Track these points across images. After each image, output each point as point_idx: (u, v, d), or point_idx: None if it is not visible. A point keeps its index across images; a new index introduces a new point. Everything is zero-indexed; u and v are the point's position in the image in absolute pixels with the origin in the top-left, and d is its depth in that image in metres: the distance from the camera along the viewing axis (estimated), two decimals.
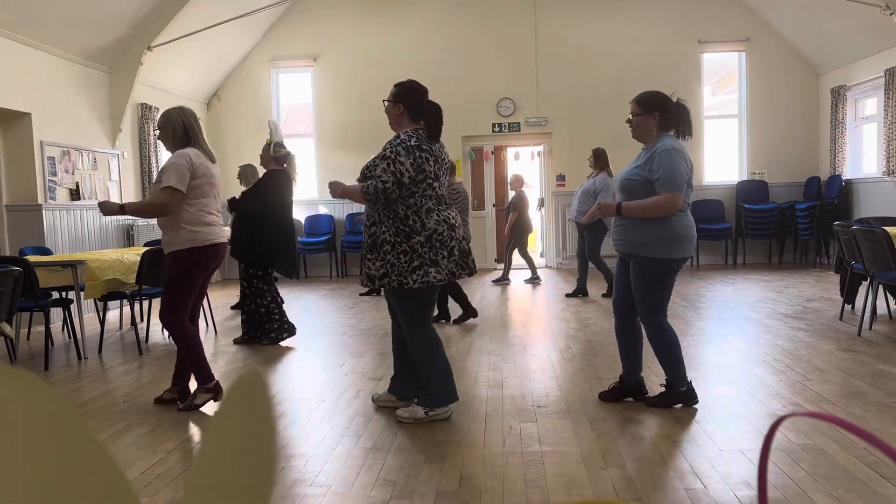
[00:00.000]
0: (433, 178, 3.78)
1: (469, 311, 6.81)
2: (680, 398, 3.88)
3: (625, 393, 4.04)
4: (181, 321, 4.13)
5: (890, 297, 6.61)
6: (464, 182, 11.42)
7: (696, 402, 3.89)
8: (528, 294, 8.86)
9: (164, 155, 10.28)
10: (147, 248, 6.42)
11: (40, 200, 7.74)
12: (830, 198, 10.47)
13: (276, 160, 6.15)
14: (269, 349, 5.93)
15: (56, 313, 7.32)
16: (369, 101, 11.74)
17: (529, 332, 6.32)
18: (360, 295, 9.17)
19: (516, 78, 11.65)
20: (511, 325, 6.64)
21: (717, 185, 11.54)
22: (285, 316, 6.16)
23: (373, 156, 3.93)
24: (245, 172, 7.56)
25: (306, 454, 3.39)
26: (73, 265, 5.76)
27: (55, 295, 6.20)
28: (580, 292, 8.30)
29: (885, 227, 5.49)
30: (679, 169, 3.66)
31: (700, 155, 11.49)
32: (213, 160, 4.24)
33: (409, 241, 3.67)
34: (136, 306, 6.51)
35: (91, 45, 8.47)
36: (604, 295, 8.26)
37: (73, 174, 8.32)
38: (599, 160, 8.12)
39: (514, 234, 9.62)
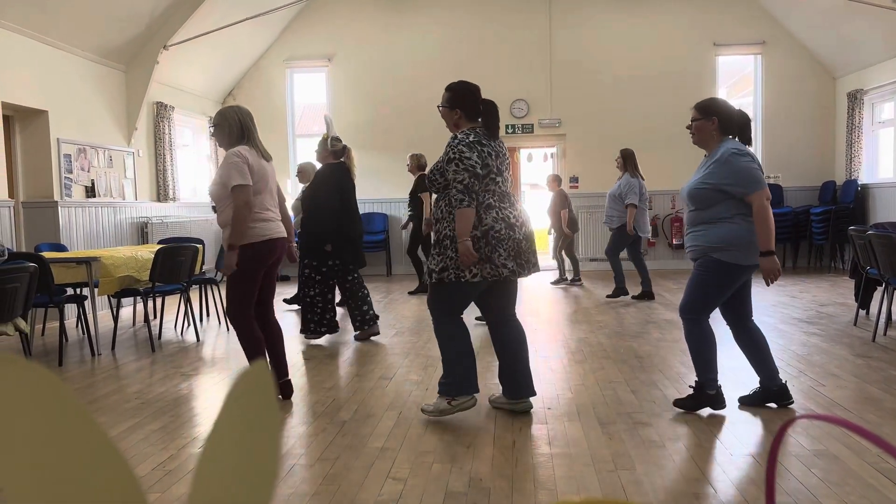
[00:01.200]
0: (496, 174, 3.81)
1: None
2: (708, 401, 3.84)
3: (766, 398, 3.93)
4: (246, 315, 4.18)
5: None
6: None
7: (724, 406, 3.85)
8: (541, 295, 8.84)
9: (178, 154, 10.35)
10: (161, 246, 6.46)
11: (56, 197, 7.80)
12: (846, 202, 10.39)
13: (334, 154, 6.16)
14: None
15: (70, 309, 7.38)
16: (384, 101, 11.78)
17: (541, 333, 6.31)
18: (409, 293, 9.18)
19: (530, 79, 11.64)
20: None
21: None
22: (328, 313, 6.14)
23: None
24: (305, 170, 7.62)
25: (315, 452, 3.40)
26: (87, 262, 5.80)
27: (70, 291, 6.26)
28: (620, 292, 8.23)
29: None
30: (749, 167, 3.66)
31: None
32: (267, 158, 4.26)
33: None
34: (150, 303, 6.56)
35: (107, 43, 8.54)
36: (608, 296, 8.27)
37: (88, 172, 8.39)
38: (627, 161, 8.11)
39: (564, 233, 9.69)
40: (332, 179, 6.06)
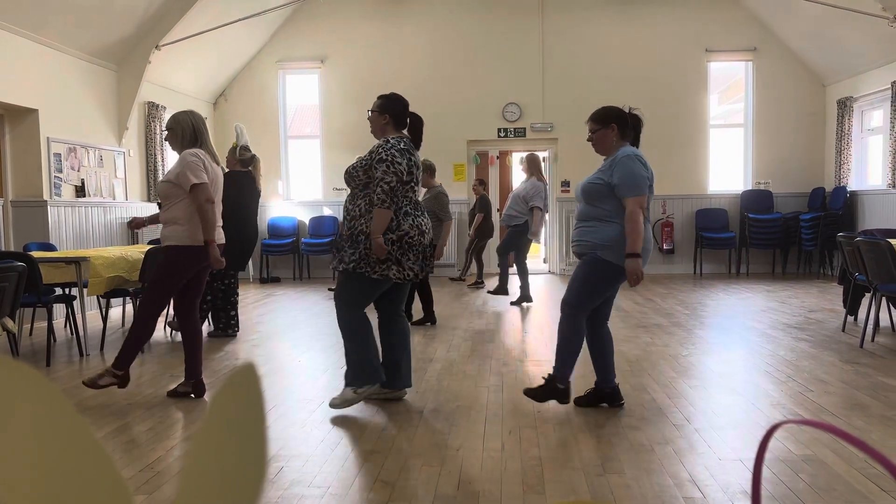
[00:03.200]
0: (415, 182, 4.12)
1: (429, 317, 6.95)
2: (556, 395, 3.96)
3: (600, 398, 4.08)
4: (153, 313, 4.26)
5: (893, 310, 6.59)
6: (465, 186, 11.49)
7: (569, 401, 3.99)
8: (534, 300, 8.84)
9: (170, 154, 10.31)
10: (151, 246, 6.43)
11: (46, 197, 7.76)
12: (835, 209, 10.46)
13: (242, 163, 6.44)
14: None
15: (59, 310, 7.34)
16: None
17: (530, 337, 6.32)
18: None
19: (522, 83, 11.66)
20: (512, 331, 6.64)
21: (722, 194, 11.53)
22: (207, 315, 6.46)
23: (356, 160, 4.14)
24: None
25: (305, 455, 3.39)
26: (76, 262, 5.77)
27: (58, 291, 6.22)
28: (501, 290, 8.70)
29: (889, 240, 5.48)
30: (639, 173, 3.79)
31: (706, 163, 11.49)
32: (217, 162, 4.41)
33: (382, 236, 3.93)
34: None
35: (99, 42, 8.51)
36: (489, 291, 8.81)
37: (78, 171, 8.35)
38: (531, 166, 8.35)
39: (480, 236, 10.16)
40: (233, 187, 6.12)
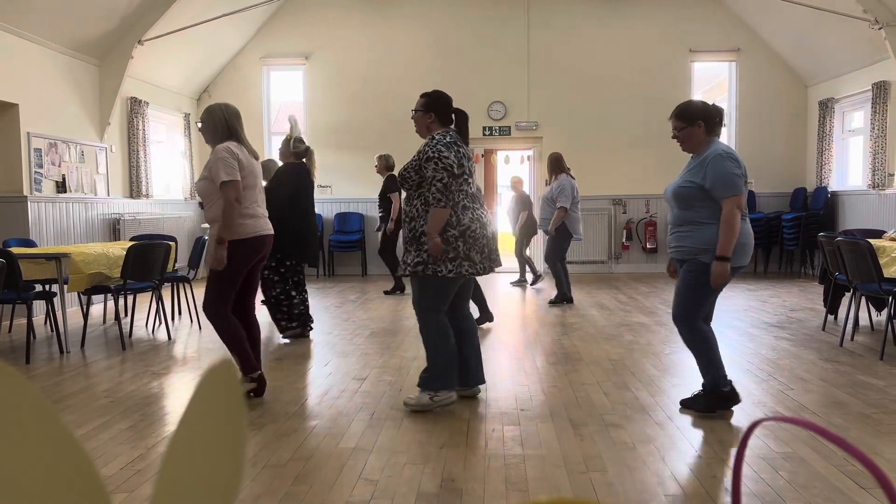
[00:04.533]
0: (469, 175, 4.00)
1: (486, 315, 6.74)
2: (722, 399, 3.83)
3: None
4: (224, 312, 4.16)
5: (872, 309, 6.67)
6: None
7: (740, 401, 3.86)
8: (514, 297, 8.86)
9: (152, 150, 10.23)
10: (133, 243, 6.38)
11: (26, 192, 7.67)
12: (816, 209, 10.56)
13: (296, 155, 6.27)
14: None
15: (39, 306, 7.27)
16: (361, 100, 11.74)
17: (515, 335, 6.33)
18: (385, 293, 9.14)
19: (508, 82, 11.67)
20: (497, 329, 6.65)
21: None
22: (296, 308, 6.17)
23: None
24: (267, 167, 7.56)
25: (287, 452, 3.38)
26: (57, 258, 5.71)
27: (38, 288, 6.16)
28: (563, 298, 8.12)
29: (869, 240, 5.54)
30: (733, 171, 3.65)
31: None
32: (255, 157, 4.29)
33: (444, 234, 3.84)
34: (121, 301, 6.47)
35: (81, 36, 8.42)
36: (550, 302, 8.10)
37: (59, 167, 8.26)
38: (555, 166, 8.14)
39: (525, 234, 9.79)
40: (290, 179, 6.14)
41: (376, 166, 9.09)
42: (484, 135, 11.70)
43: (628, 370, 4.94)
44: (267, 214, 4.34)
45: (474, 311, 7.07)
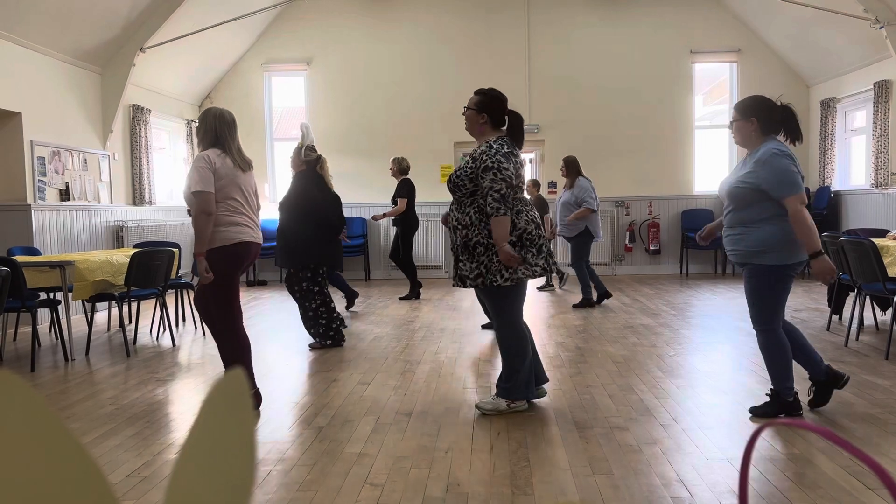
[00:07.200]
0: (522, 182, 4.01)
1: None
2: (785, 408, 3.82)
3: (827, 391, 3.93)
4: (231, 326, 4.13)
5: (877, 309, 6.65)
6: None
7: (801, 412, 3.84)
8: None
9: (154, 157, 10.26)
10: (136, 250, 6.39)
11: (29, 200, 7.69)
12: (819, 209, 10.54)
13: (307, 164, 6.17)
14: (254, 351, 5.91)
15: (43, 314, 7.28)
16: (362, 105, 11.76)
17: None
18: (400, 299, 9.09)
19: (509, 84, 11.66)
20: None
21: (708, 195, 11.59)
22: (334, 322, 6.07)
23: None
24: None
25: (293, 458, 3.38)
26: (61, 266, 5.73)
27: (43, 295, 6.17)
28: (587, 302, 8.01)
29: (873, 239, 5.53)
30: (790, 169, 3.61)
31: (691, 164, 11.56)
32: (243, 167, 4.18)
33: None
34: (125, 308, 6.48)
35: (83, 45, 8.45)
36: (574, 306, 8.03)
37: (62, 174, 8.28)
38: (572, 168, 8.10)
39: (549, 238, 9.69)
40: (305, 186, 6.07)
41: (391, 169, 9.02)
42: None
43: (633, 372, 4.93)
44: (255, 223, 4.25)
45: (480, 313, 7.09)
